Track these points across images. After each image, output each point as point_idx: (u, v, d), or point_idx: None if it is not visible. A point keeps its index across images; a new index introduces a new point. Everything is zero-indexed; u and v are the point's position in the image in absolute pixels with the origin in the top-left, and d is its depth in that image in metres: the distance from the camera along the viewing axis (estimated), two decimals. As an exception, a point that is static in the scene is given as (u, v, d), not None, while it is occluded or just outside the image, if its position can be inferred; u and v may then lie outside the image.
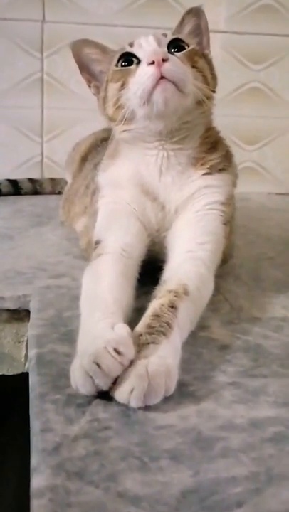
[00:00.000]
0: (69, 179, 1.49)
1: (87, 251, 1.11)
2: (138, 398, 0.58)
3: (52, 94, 1.79)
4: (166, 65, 0.84)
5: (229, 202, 0.96)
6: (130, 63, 0.90)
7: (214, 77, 0.96)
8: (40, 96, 1.79)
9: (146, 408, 0.59)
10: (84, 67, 0.99)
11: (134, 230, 0.93)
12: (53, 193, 1.75)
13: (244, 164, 1.89)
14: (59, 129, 1.82)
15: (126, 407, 0.59)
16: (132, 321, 0.76)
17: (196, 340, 0.76)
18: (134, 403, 0.58)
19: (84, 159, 1.41)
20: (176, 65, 0.86)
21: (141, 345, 0.65)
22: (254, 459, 0.52)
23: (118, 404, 0.59)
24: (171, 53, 0.89)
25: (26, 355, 0.92)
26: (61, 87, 1.78)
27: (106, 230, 0.93)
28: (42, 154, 1.82)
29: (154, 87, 0.84)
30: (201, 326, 0.79)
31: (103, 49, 0.98)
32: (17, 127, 1.80)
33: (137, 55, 0.90)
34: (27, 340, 0.92)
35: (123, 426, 0.57)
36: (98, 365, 0.58)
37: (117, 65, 0.92)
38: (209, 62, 0.96)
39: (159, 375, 0.59)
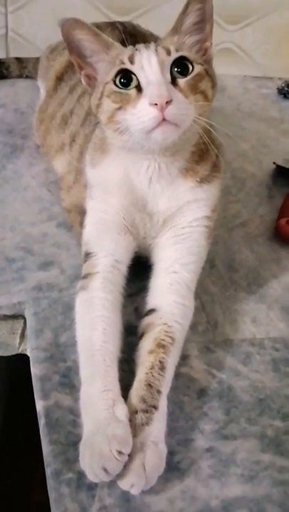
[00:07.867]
0: (42, 91, 1.42)
1: (70, 214, 1.16)
2: (137, 490, 0.73)
3: None
4: (170, 108, 0.83)
5: (215, 210, 1.00)
6: (129, 81, 0.87)
7: (214, 86, 0.92)
8: None
9: (143, 491, 0.74)
10: (74, 50, 0.93)
11: (123, 244, 0.98)
12: (20, 76, 1.64)
13: (222, 45, 1.79)
14: (26, -3, 1.62)
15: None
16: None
17: (178, 381, 0.88)
18: (134, 492, 0.73)
19: (60, 79, 1.34)
20: (180, 105, 0.84)
21: (136, 426, 0.77)
22: None
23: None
24: (174, 79, 0.86)
25: (20, 343, 1.02)
26: None
27: (96, 242, 0.98)
28: (6, 27, 1.65)
29: (154, 128, 0.84)
30: (181, 356, 0.91)
31: (96, 35, 0.91)
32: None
33: (138, 77, 0.86)
34: (20, 332, 1.01)
35: (125, 514, 0.73)
36: (105, 470, 0.71)
37: (114, 81, 0.87)
38: (211, 72, 0.92)
39: (154, 471, 0.74)
